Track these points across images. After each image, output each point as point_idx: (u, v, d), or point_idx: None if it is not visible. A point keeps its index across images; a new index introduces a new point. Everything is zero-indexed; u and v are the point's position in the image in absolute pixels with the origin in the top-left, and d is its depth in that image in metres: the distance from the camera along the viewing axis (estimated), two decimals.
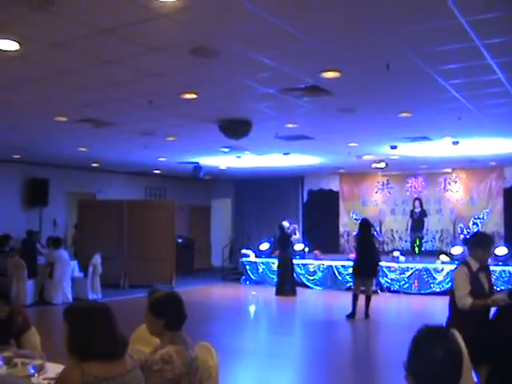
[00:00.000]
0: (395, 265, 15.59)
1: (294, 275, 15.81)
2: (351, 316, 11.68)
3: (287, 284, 15.18)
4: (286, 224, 15.78)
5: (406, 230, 19.09)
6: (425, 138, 12.17)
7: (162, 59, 6.37)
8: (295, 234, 15.59)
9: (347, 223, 20.58)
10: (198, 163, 16.23)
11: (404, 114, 9.49)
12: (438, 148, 13.63)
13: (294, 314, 13.23)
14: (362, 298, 11.64)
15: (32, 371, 3.64)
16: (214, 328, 11.02)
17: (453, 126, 10.66)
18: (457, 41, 5.73)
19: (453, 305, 5.52)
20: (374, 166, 16.13)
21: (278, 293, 15.17)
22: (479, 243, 5.48)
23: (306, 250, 17.89)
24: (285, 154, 14.72)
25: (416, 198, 18.44)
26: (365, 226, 12.18)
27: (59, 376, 2.86)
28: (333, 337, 10.62)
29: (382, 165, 15.98)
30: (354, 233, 20.01)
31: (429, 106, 8.89)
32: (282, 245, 15.53)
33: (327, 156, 15.46)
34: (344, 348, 9.81)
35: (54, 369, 4.00)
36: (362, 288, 11.79)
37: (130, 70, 6.77)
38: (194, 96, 8.06)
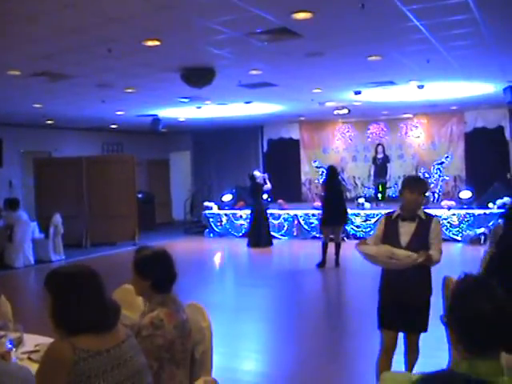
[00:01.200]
0: (361, 211, 15.52)
1: (269, 226, 15.60)
2: (321, 265, 11.58)
3: (263, 235, 14.94)
4: (257, 173, 15.46)
5: (369, 176, 19.12)
6: (390, 83, 11.94)
7: (123, 1, 5.91)
8: (266, 183, 15.27)
9: (308, 171, 20.46)
10: (156, 115, 15.74)
11: (373, 58, 9.19)
12: (402, 93, 13.45)
13: (263, 265, 13.02)
14: (330, 246, 11.54)
15: (9, 346, 3.29)
16: (182, 283, 10.74)
17: (420, 70, 10.43)
18: None
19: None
20: (336, 112, 15.88)
21: (251, 244, 14.94)
22: (405, 184, 4.95)
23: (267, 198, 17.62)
24: (246, 102, 14.35)
25: (378, 144, 18.39)
26: (332, 173, 11.99)
27: (47, 354, 2.48)
28: (305, 286, 10.54)
29: (345, 111, 15.75)
30: (316, 181, 20.09)
31: (399, 48, 8.61)
32: (255, 195, 15.23)
33: (289, 103, 15.14)
34: (317, 297, 9.73)
35: (31, 340, 3.69)
36: (331, 236, 11.67)
37: (89, 14, 6.28)
38: (156, 43, 7.59)
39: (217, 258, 14.86)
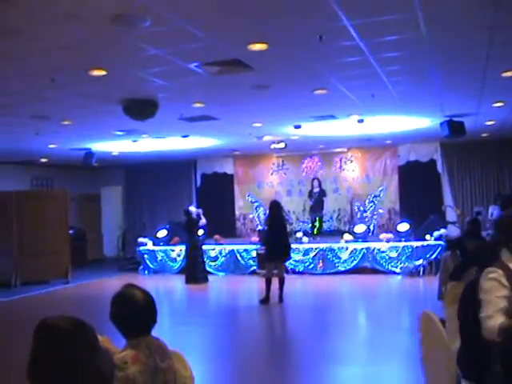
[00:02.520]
0: (299, 246, 15.42)
1: (205, 261, 15.30)
2: (265, 300, 11.35)
3: (199, 271, 14.62)
4: (192, 209, 15.22)
5: (303, 210, 19.10)
6: (331, 117, 11.97)
7: (71, 30, 5.62)
8: (201, 218, 15.01)
9: (243, 206, 20.30)
10: (90, 149, 15.28)
11: (319, 91, 9.17)
12: (340, 127, 13.53)
13: (204, 302, 12.67)
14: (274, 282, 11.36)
15: None
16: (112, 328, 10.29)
17: (363, 104, 10.50)
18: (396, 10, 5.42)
19: (467, 332, 3.95)
20: (273, 146, 15.82)
21: (188, 281, 14.57)
22: None
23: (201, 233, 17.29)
24: (183, 136, 14.10)
25: (314, 178, 18.40)
26: (275, 207, 11.84)
27: None
28: (249, 324, 10.20)
29: (282, 145, 15.71)
30: (251, 215, 19.94)
31: (346, 81, 8.61)
32: (190, 231, 14.92)
33: (226, 138, 14.98)
34: (262, 335, 9.42)
35: None
36: (274, 271, 11.50)
37: (36, 41, 5.96)
38: (103, 73, 7.32)
39: (155, 295, 14.34)
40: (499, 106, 11.43)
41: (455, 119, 12.44)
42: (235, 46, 6.47)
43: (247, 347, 8.30)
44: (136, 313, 3.24)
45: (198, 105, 9.97)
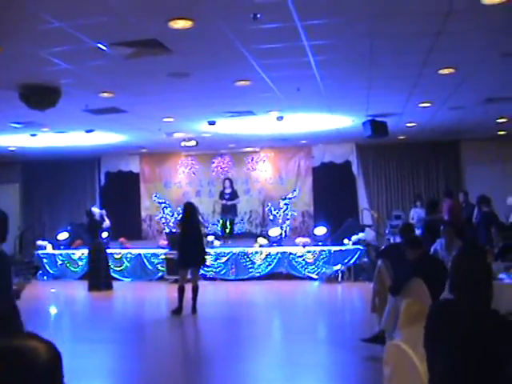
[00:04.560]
0: (211, 250, 14.49)
1: (109, 266, 14.10)
2: (177, 311, 10.35)
3: (102, 277, 13.41)
4: (95, 210, 13.97)
5: (213, 212, 18.25)
6: (250, 113, 11.20)
7: None
8: (105, 220, 13.82)
9: (149, 207, 19.27)
10: None
11: (241, 83, 8.37)
12: (255, 125, 12.81)
13: (109, 314, 11.47)
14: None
15: None
16: None
17: (285, 99, 9.77)
18: None
19: None
20: (183, 144, 14.85)
21: (90, 288, 13.34)
22: None
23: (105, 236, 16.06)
24: (87, 131, 12.94)
25: (226, 178, 17.54)
26: (189, 210, 10.88)
27: None
28: (159, 340, 9.12)
29: (193, 143, 14.78)
30: (157, 217, 18.90)
31: (273, 71, 7.81)
32: (92, 233, 13.69)
33: (133, 133, 13.93)
34: (175, 352, 8.41)
35: None
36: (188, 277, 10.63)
37: None
38: None
39: (51, 306, 13.03)
40: (425, 107, 11.04)
41: (378, 119, 11.94)
42: (154, 21, 5.51)
43: (158, 369, 7.25)
44: None
45: (105, 95, 8.93)
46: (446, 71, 8.01)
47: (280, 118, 11.65)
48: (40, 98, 8.18)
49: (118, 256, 15.10)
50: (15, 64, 7.01)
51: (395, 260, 7.47)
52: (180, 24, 5.53)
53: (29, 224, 19.53)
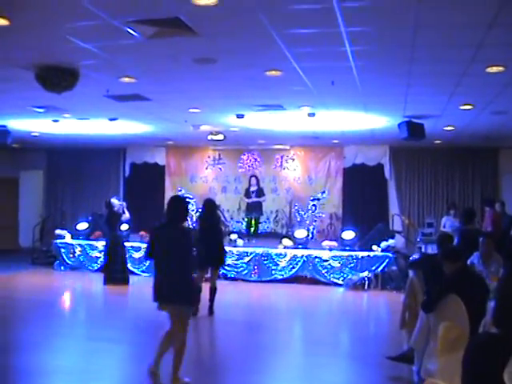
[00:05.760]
0: (233, 249, 13.95)
1: (127, 260, 13.65)
2: (193, 312, 9.80)
3: (118, 271, 12.96)
4: (115, 201, 13.48)
5: (238, 209, 17.72)
6: (279, 107, 10.63)
7: None
8: (124, 212, 13.36)
9: None
10: (5, 126, 13.39)
11: (272, 72, 7.77)
12: (287, 121, 12.23)
13: (123, 311, 11.01)
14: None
15: None
16: (24, 337, 8.54)
17: (318, 94, 9.16)
18: None
19: None
20: (210, 137, 14.29)
21: (107, 281, 12.89)
22: None
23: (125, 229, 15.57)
24: (111, 119, 12.47)
25: (252, 175, 16.98)
26: (209, 206, 10.34)
27: None
28: None
29: (220, 137, 14.23)
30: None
31: (306, 61, 7.22)
32: (111, 225, 13.25)
33: (159, 124, 13.47)
34: (188, 358, 7.85)
35: None
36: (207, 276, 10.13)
37: None
38: (4, 22, 5.68)
39: (66, 300, 12.57)
40: (466, 109, 10.36)
41: (414, 120, 11.30)
42: None
43: (168, 376, 6.74)
44: None
45: (126, 79, 8.39)
46: (494, 69, 7.35)
47: (312, 115, 11.07)
48: (57, 79, 7.67)
49: (138, 250, 14.62)
50: (31, 41, 6.52)
51: (429, 273, 6.87)
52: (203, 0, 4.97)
53: (51, 212, 19.22)
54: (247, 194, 16.62)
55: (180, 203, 6.39)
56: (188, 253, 6.14)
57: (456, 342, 4.12)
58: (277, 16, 5.46)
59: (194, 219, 16.10)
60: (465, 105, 10.01)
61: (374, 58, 7.08)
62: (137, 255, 14.58)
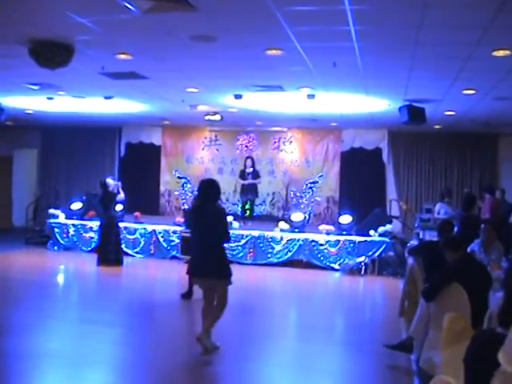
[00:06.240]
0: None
1: (121, 241, 13.49)
2: (187, 295, 9.70)
3: (112, 252, 12.80)
4: (110, 181, 13.27)
5: (234, 191, 17.53)
6: (279, 88, 10.41)
7: None
8: (119, 192, 13.17)
9: (169, 182, 18.59)
10: None
11: (273, 52, 7.57)
12: (286, 102, 12.02)
13: (117, 293, 10.83)
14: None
15: None
16: (15, 319, 8.37)
17: (319, 74, 8.96)
18: None
19: None
20: (207, 117, 14.10)
21: (100, 262, 12.73)
22: None
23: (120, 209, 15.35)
24: (106, 97, 12.24)
25: (248, 157, 16.76)
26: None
27: None
28: (166, 326, 8.43)
29: (217, 117, 14.04)
30: (176, 193, 18.24)
31: (308, 40, 7.02)
32: (105, 205, 13.07)
33: (155, 103, 13.26)
34: (180, 343, 7.68)
35: None
36: None
37: None
38: None
39: (59, 281, 12.39)
40: (469, 94, 10.19)
41: (415, 105, 11.12)
42: None
43: (161, 360, 6.60)
44: None
45: (122, 56, 8.18)
46: (501, 53, 7.17)
47: (311, 97, 10.86)
48: (51, 54, 7.47)
49: (132, 231, 14.47)
50: (25, 15, 6.31)
51: (429, 260, 6.73)
52: None
53: (45, 191, 19.02)
54: (242, 175, 16.40)
55: (212, 185, 7.11)
56: (224, 230, 6.86)
57: (461, 333, 3.98)
58: None
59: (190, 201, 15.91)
60: (467, 90, 9.84)
61: (378, 40, 6.89)
62: (130, 237, 14.42)
